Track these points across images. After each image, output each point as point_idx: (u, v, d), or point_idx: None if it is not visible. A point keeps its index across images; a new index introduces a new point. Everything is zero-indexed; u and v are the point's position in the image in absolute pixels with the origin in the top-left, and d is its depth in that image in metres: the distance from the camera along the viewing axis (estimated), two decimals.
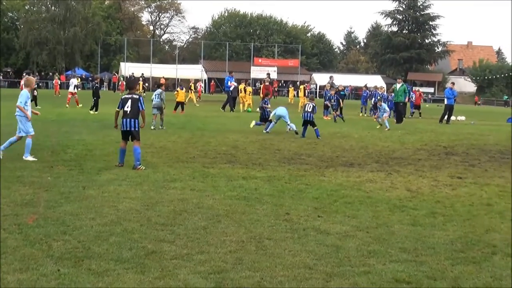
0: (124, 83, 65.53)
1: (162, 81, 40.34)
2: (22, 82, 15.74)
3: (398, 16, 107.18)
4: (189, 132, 20.60)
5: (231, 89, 37.30)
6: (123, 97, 13.34)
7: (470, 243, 7.88)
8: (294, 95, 56.04)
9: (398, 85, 33.80)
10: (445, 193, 11.49)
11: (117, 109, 13.46)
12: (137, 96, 13.21)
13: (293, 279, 6.24)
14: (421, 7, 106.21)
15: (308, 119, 21.37)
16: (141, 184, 11.19)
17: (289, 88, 61.37)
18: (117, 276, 6.16)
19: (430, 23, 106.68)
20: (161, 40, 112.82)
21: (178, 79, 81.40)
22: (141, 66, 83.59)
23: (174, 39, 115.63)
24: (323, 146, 18.49)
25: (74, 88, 37.03)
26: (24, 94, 13.87)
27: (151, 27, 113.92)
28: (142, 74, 71.28)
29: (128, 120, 12.95)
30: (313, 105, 21.65)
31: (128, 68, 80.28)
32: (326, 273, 6.46)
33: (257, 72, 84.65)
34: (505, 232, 8.57)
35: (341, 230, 8.26)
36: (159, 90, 23.12)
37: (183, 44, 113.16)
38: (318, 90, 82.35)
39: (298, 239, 7.77)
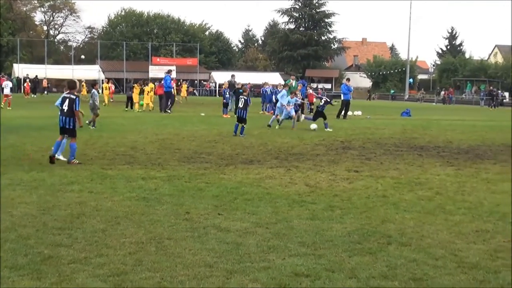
0: (30, 84, 64.07)
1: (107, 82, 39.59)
2: None
3: (295, 14, 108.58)
4: (87, 133, 20.21)
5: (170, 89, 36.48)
6: (63, 95, 14.30)
7: (366, 235, 8.09)
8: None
9: (293, 82, 34.20)
10: (342, 186, 11.76)
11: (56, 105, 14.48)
12: (74, 97, 14.12)
13: (194, 278, 6.23)
14: (316, 4, 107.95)
15: (242, 116, 21.59)
16: (37, 188, 10.90)
17: (182, 86, 61.01)
18: (12, 283, 5.98)
19: (326, 20, 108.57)
20: (55, 40, 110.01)
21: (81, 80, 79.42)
22: (35, 67, 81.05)
23: (69, 39, 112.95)
24: (223, 144, 18.54)
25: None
26: None
27: (45, 27, 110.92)
28: (27, 74, 69.56)
29: (64, 117, 14.04)
30: (244, 99, 21.83)
31: (21, 70, 77.80)
32: (226, 270, 6.48)
33: (156, 71, 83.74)
34: (400, 222, 8.85)
35: (241, 227, 8.31)
36: (93, 91, 23.39)
37: (78, 44, 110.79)
38: (217, 89, 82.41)
39: (199, 237, 7.76)
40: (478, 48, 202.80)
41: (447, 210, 9.78)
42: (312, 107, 38.94)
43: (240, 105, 21.77)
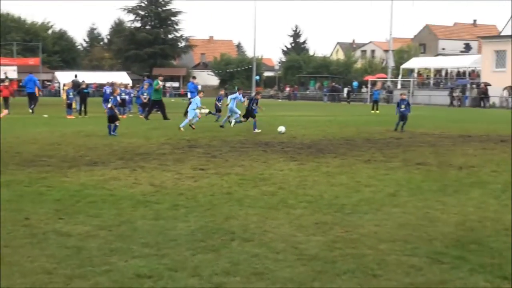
0: None
1: None
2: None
3: (141, 12, 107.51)
4: None
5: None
6: None
7: (210, 232, 8.15)
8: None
9: (161, 83, 33.95)
10: (187, 185, 11.78)
11: None
12: None
13: (32, 286, 6.02)
14: (162, 2, 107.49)
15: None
16: None
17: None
18: None
19: (172, 18, 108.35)
20: None
21: None
22: None
23: None
24: (66, 146, 18.02)
25: None
26: None
27: None
28: None
29: None
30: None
31: None
32: (66, 276, 6.31)
33: None
34: (243, 218, 8.99)
35: (83, 231, 8.12)
36: None
37: None
38: (61, 88, 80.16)
39: (38, 244, 7.50)
40: (321, 45, 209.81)
41: (289, 204, 10.05)
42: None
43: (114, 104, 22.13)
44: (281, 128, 23.67)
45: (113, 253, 7.12)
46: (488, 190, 11.54)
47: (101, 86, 71.88)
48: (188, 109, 26.60)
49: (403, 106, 25.85)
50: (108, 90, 39.50)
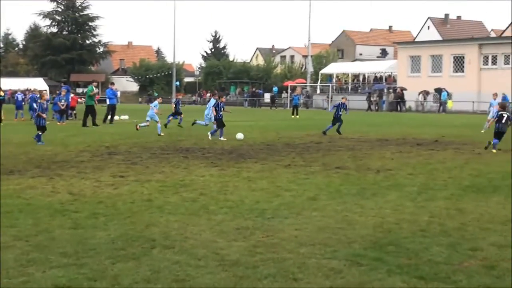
0: None
1: None
2: None
3: (57, 17, 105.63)
4: None
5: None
6: None
7: (130, 240, 8.06)
8: None
9: (95, 89, 33.48)
10: (107, 193, 11.61)
11: None
12: None
13: None
14: (80, 7, 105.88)
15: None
16: None
17: None
18: None
19: (90, 23, 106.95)
20: None
21: None
22: None
23: None
24: None
25: None
26: None
27: None
28: None
29: None
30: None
31: None
32: None
33: None
34: (164, 225, 8.93)
35: None
36: None
37: None
38: None
39: None
40: (241, 51, 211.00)
41: (210, 210, 10.04)
42: (75, 111, 37.99)
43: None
44: (239, 135, 23.39)
45: (30, 264, 6.95)
46: (405, 193, 11.83)
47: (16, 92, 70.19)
48: (148, 114, 26.87)
49: (343, 110, 26.77)
50: (19, 97, 38.59)
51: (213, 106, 24.25)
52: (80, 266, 6.87)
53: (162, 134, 25.19)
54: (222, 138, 22.97)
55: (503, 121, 19.73)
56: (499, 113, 20.25)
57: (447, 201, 10.98)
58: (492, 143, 19.47)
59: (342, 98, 29.19)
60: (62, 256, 7.28)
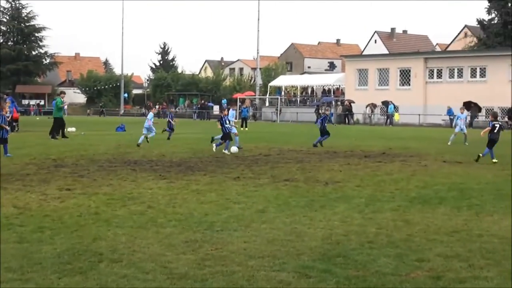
0: None
1: None
2: None
3: (2, 27, 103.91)
4: None
5: None
6: None
7: (77, 254, 7.94)
8: None
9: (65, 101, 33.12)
10: (53, 206, 11.43)
11: None
12: None
13: None
14: (26, 18, 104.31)
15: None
16: None
17: None
18: None
19: (36, 34, 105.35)
20: None
21: None
22: None
23: None
24: None
25: None
26: None
27: None
28: None
29: None
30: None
31: None
32: None
33: None
34: (112, 239, 8.82)
35: None
36: None
37: None
38: None
39: None
40: (190, 63, 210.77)
41: (159, 223, 9.97)
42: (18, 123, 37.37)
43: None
44: (234, 149, 23.27)
45: None
46: (353, 205, 11.94)
47: None
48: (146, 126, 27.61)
49: (327, 122, 28.15)
50: None
51: (221, 120, 24.02)
52: (26, 281, 6.74)
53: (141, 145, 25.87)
54: (226, 151, 22.83)
55: (496, 131, 20.60)
56: (493, 123, 20.99)
57: (394, 213, 11.13)
58: (483, 154, 20.23)
59: (326, 109, 30.25)
60: (6, 271, 7.13)
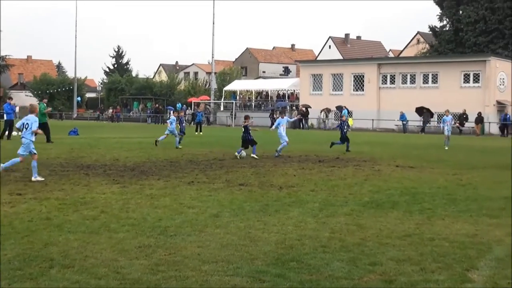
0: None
1: None
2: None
3: None
4: None
5: None
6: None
7: (28, 260, 7.81)
8: None
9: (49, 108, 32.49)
10: (3, 211, 11.21)
11: None
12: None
13: None
14: None
15: None
16: None
17: None
18: None
19: None
20: None
21: None
22: None
23: None
24: None
25: None
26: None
27: None
28: None
29: None
30: None
31: None
32: None
33: None
34: (63, 244, 8.70)
35: None
36: None
37: None
38: None
39: None
40: (145, 67, 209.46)
41: (112, 228, 9.86)
42: None
43: None
44: (243, 153, 23.45)
45: None
46: (307, 209, 11.99)
47: None
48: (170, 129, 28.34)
49: (346, 127, 29.02)
50: None
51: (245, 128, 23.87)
52: None
53: (180, 147, 28.03)
54: (254, 155, 23.30)
55: None
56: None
57: (348, 217, 11.21)
58: None
59: (342, 116, 31.30)
60: None
